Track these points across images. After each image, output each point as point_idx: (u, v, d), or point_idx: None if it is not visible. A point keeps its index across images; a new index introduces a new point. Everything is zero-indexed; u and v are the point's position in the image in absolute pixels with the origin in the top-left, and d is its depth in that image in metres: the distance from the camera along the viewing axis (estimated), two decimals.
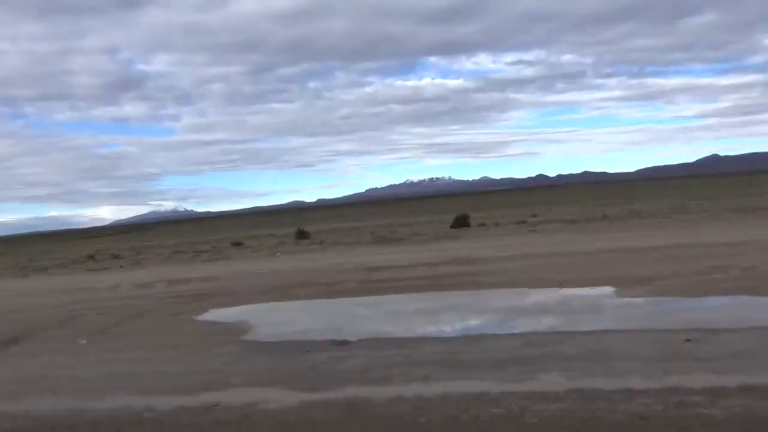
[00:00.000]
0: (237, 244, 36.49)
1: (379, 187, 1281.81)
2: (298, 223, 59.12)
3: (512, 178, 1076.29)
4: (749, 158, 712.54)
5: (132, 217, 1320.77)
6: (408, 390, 6.58)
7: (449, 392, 6.41)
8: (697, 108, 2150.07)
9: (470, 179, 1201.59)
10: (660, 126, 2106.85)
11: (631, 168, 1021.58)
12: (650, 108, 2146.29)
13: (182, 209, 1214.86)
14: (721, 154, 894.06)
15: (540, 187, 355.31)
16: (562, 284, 13.37)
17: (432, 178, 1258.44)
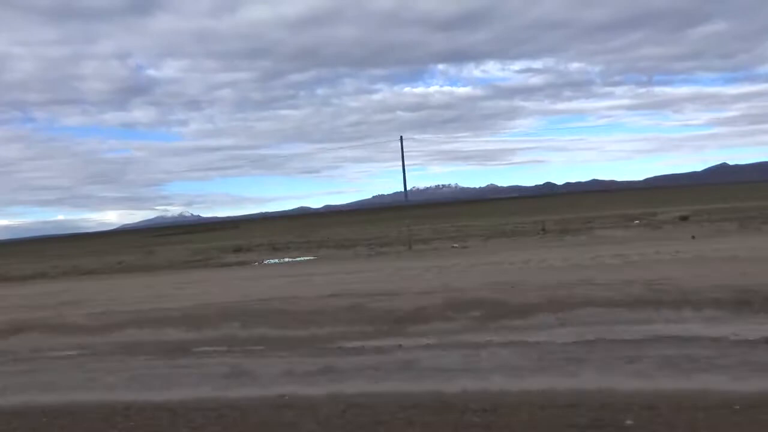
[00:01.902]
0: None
1: (385, 193, 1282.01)
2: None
3: (519, 186, 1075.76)
4: (759, 167, 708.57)
5: (139, 222, 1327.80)
6: None
7: None
8: (705, 117, 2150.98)
9: (476, 187, 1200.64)
10: (668, 134, 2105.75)
11: (639, 176, 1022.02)
12: (658, 116, 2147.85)
13: (188, 214, 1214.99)
14: (730, 163, 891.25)
15: (550, 195, 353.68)
16: None
17: (438, 186, 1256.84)
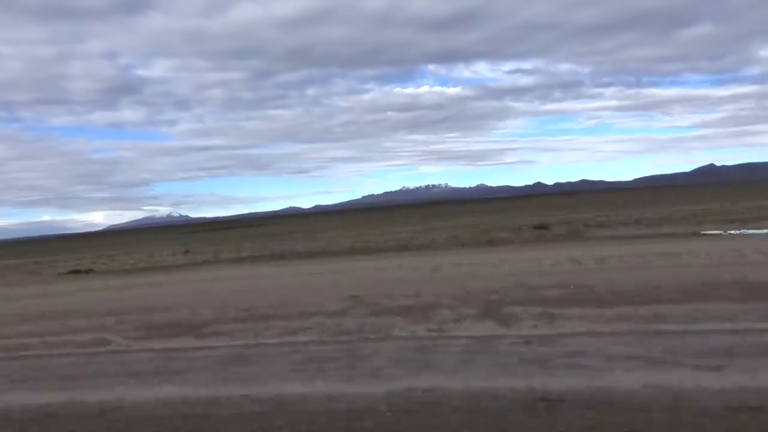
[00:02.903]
0: None
1: (375, 194, 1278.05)
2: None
3: (509, 186, 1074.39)
4: (746, 168, 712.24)
5: (126, 223, 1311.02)
6: None
7: None
8: (692, 118, 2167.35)
9: (467, 186, 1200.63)
10: (656, 135, 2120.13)
11: (628, 177, 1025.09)
12: (646, 118, 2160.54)
13: (177, 215, 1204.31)
14: (718, 164, 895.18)
15: (539, 195, 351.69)
16: None
17: (428, 185, 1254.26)
